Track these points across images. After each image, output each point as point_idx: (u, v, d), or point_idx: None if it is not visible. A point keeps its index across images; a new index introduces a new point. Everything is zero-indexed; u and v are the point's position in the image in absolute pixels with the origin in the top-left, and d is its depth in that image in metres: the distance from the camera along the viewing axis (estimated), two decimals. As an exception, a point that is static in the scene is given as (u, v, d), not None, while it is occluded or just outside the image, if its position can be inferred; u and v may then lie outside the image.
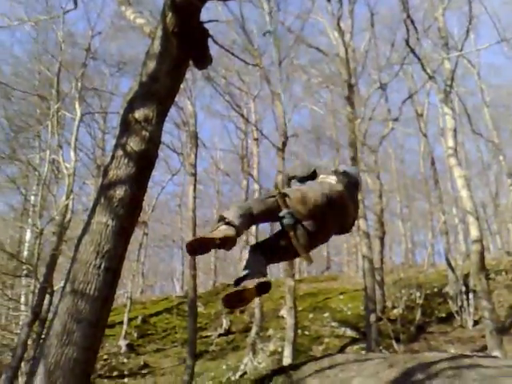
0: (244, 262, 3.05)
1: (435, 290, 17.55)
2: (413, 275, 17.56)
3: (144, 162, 6.10)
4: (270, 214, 3.10)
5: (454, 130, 14.14)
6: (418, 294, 15.48)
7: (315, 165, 3.50)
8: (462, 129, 23.59)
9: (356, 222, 3.62)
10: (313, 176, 3.42)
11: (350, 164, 15.10)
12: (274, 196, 3.07)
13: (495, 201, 28.56)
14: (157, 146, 6.38)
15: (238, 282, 2.87)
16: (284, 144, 14.17)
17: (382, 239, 17.61)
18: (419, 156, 24.03)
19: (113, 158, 6.13)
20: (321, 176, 3.36)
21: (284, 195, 3.05)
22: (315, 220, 3.08)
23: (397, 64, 18.29)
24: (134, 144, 6.02)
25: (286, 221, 3.00)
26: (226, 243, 2.83)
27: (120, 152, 6.04)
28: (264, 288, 2.88)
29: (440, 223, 18.92)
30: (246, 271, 2.91)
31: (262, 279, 2.82)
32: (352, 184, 3.40)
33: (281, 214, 3.02)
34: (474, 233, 13.14)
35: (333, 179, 3.31)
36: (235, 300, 2.85)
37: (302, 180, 3.42)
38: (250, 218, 3.00)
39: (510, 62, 37.63)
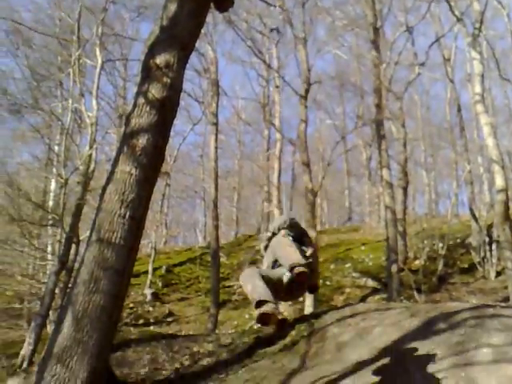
0: (255, 284, 3.56)
1: (458, 240, 17.46)
2: (436, 226, 17.43)
3: (166, 110, 6.02)
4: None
5: (481, 76, 13.62)
6: (440, 244, 15.40)
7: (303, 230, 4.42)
8: (489, 74, 22.73)
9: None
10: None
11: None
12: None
13: (521, 149, 27.83)
14: (178, 93, 6.28)
15: (259, 304, 3.36)
16: (307, 91, 13.84)
17: (405, 189, 17.42)
18: (445, 103, 23.38)
19: (134, 105, 6.07)
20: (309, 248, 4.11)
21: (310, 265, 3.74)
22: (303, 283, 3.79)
23: (424, 2, 17.43)
24: (155, 91, 5.94)
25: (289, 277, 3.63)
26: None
27: (142, 100, 5.97)
28: (284, 323, 3.57)
29: (465, 173, 18.56)
30: (263, 296, 3.40)
31: (286, 317, 3.71)
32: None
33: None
34: (499, 182, 12.87)
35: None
36: (266, 320, 3.36)
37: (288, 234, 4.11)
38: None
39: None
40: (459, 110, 19.18)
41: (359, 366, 4.83)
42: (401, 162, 17.85)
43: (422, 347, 4.75)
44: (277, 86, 20.36)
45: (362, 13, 16.82)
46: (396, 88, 19.31)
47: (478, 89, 13.46)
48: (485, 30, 17.49)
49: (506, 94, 27.60)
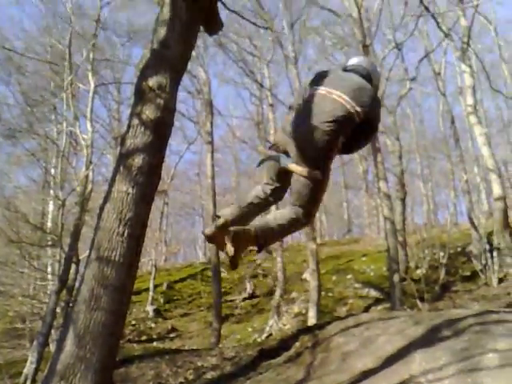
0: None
1: (458, 249, 17.41)
2: (436, 235, 17.41)
3: (160, 130, 6.07)
4: None
5: (472, 88, 13.82)
6: (441, 253, 15.36)
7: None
8: (480, 87, 22.93)
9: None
10: None
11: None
12: None
13: (517, 158, 28.04)
14: (172, 114, 6.34)
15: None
16: (300, 108, 13.92)
17: (403, 200, 17.43)
18: (438, 115, 23.63)
19: (129, 127, 6.12)
20: None
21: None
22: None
23: (412, 21, 17.63)
24: (149, 112, 5.99)
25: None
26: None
27: (136, 121, 6.02)
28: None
29: (462, 182, 18.61)
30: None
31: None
32: None
33: None
34: (496, 190, 12.93)
35: None
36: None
37: None
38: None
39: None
40: (453, 122, 19.25)
41: (365, 375, 4.79)
42: (397, 173, 17.90)
43: (427, 354, 4.72)
44: (270, 105, 20.39)
45: (351, 32, 16.94)
46: (388, 102, 19.48)
47: (469, 101, 13.64)
48: (473, 44, 17.76)
49: (498, 105, 28.02)
